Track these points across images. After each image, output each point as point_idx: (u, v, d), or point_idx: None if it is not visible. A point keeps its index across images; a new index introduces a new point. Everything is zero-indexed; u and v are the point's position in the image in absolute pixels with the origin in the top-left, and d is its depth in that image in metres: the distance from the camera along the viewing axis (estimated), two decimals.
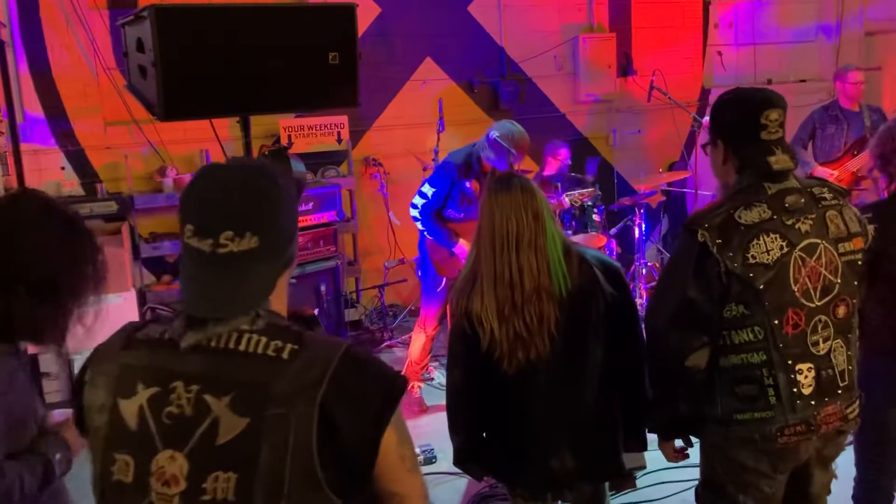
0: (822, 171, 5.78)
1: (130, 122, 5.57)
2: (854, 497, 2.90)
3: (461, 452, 2.58)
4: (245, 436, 1.25)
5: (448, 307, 4.85)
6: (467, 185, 4.56)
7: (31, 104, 5.61)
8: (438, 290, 4.81)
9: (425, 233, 4.70)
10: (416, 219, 4.69)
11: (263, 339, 1.30)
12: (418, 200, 4.64)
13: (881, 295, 2.48)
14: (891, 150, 2.74)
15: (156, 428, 1.29)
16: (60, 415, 1.95)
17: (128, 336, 1.38)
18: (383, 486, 1.37)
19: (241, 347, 1.30)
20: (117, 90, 5.29)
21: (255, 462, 1.24)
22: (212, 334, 1.30)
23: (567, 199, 5.66)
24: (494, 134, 4.44)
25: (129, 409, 1.31)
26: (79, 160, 5.80)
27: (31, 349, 1.90)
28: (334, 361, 1.29)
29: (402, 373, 5.07)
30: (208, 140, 4.35)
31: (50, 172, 5.69)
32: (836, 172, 5.77)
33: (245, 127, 2.98)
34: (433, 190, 4.58)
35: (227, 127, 4.69)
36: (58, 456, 1.81)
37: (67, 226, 1.82)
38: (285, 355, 1.29)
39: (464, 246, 4.63)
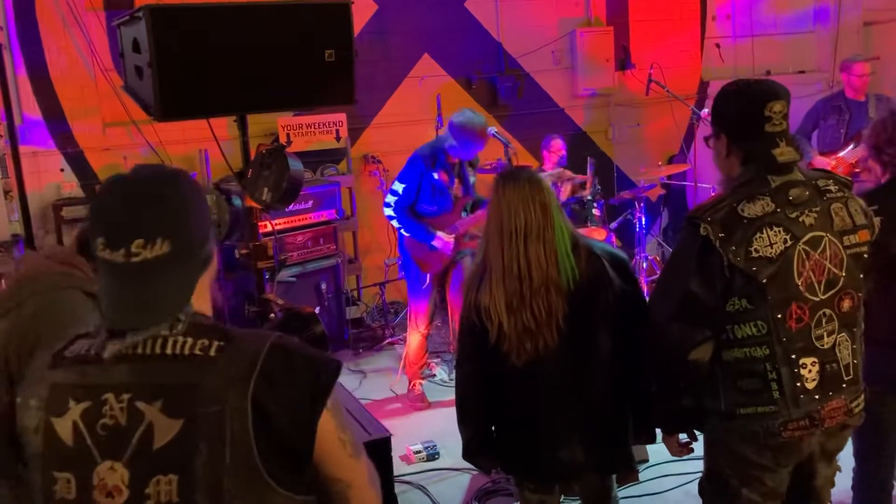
0: (820, 161, 5.77)
1: (129, 123, 5.56)
2: (853, 487, 2.90)
3: (470, 445, 2.60)
4: (181, 437, 1.26)
5: (433, 304, 4.91)
6: (435, 175, 4.61)
7: (29, 106, 5.60)
8: (424, 287, 4.82)
9: (402, 230, 4.72)
10: (390, 217, 4.72)
11: (189, 340, 1.32)
12: (391, 199, 4.68)
13: (878, 284, 2.47)
14: (884, 140, 2.74)
15: (92, 441, 1.29)
16: None
17: (55, 355, 1.38)
18: (326, 472, 1.40)
19: (168, 351, 1.31)
20: (115, 91, 5.27)
21: (194, 461, 1.26)
22: (132, 343, 1.31)
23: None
24: (453, 121, 4.54)
25: (63, 426, 1.31)
26: (78, 162, 5.79)
27: None
28: (262, 353, 1.31)
29: (400, 371, 5.09)
30: (207, 140, 4.32)
31: (49, 174, 5.68)
32: (833, 162, 5.76)
33: (242, 126, 2.98)
34: (403, 185, 4.63)
35: (226, 126, 4.69)
36: None
37: None
38: (212, 353, 1.31)
39: (443, 237, 4.64)
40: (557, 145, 6.32)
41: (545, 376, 2.42)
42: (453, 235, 4.67)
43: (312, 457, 1.35)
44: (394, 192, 4.67)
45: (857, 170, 5.60)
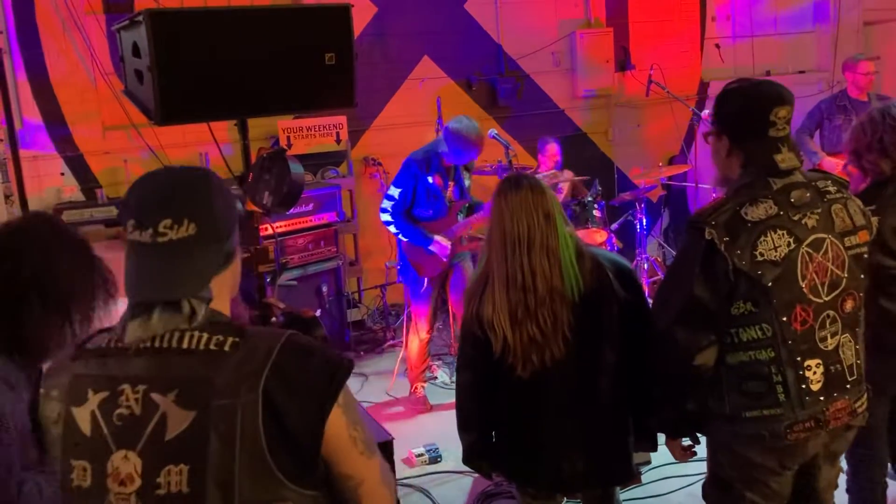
0: (829, 163, 5.72)
1: (129, 126, 5.56)
2: (848, 490, 2.89)
3: (471, 451, 2.59)
4: (193, 428, 1.29)
5: (433, 308, 4.89)
6: (429, 179, 4.61)
7: (29, 110, 5.60)
8: (422, 290, 4.82)
9: (400, 235, 4.72)
10: (387, 223, 4.71)
11: (205, 335, 1.35)
12: (387, 203, 4.68)
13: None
14: (864, 145, 2.71)
15: (108, 430, 1.34)
16: None
17: (78, 347, 1.43)
18: (338, 469, 1.42)
19: (184, 345, 1.34)
20: (115, 95, 5.27)
21: (205, 453, 1.29)
22: (154, 329, 1.34)
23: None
24: (449, 128, 4.54)
25: (82, 415, 1.35)
26: (78, 165, 5.79)
27: None
28: (275, 349, 1.34)
29: (395, 375, 5.09)
30: (207, 143, 4.34)
31: (49, 178, 5.68)
32: (843, 163, 5.71)
33: (243, 130, 2.97)
34: (399, 190, 4.63)
35: (226, 129, 4.68)
36: None
37: (76, 249, 1.93)
38: (227, 348, 1.34)
39: (440, 241, 4.64)
40: (552, 150, 6.30)
41: (549, 387, 2.40)
42: (450, 240, 4.67)
43: (320, 452, 1.37)
44: (389, 198, 4.67)
45: None
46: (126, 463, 1.31)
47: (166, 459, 1.30)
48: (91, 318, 1.90)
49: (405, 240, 4.72)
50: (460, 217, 4.79)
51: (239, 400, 1.29)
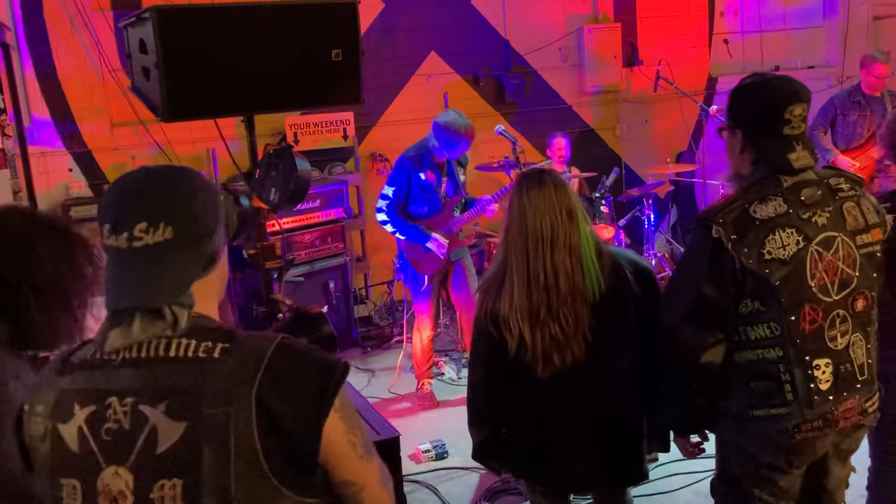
0: (843, 161, 5.67)
1: (137, 122, 5.57)
2: (868, 487, 2.87)
3: (481, 447, 2.56)
4: (185, 440, 1.25)
5: (436, 305, 4.89)
6: (422, 176, 4.62)
7: (37, 107, 5.62)
8: (423, 289, 4.81)
9: (397, 233, 4.72)
10: (384, 222, 4.71)
11: (192, 342, 1.30)
12: (382, 203, 4.68)
13: (895, 287, 2.43)
14: None
15: (97, 446, 1.28)
16: None
17: (62, 361, 1.38)
18: (337, 475, 1.38)
19: (171, 353, 1.29)
20: (123, 91, 5.28)
21: (199, 465, 1.24)
22: (135, 337, 1.29)
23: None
24: (437, 121, 4.54)
25: (69, 432, 1.30)
26: (86, 162, 5.81)
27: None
28: (268, 353, 1.29)
29: (397, 373, 5.09)
30: (215, 139, 4.33)
31: (57, 174, 5.70)
32: (857, 162, 5.67)
33: (249, 126, 2.97)
34: (392, 188, 4.64)
35: (233, 125, 4.70)
36: None
37: (54, 231, 1.84)
38: (216, 354, 1.29)
39: (438, 239, 4.64)
40: (559, 144, 6.29)
41: (563, 387, 2.37)
42: (448, 237, 4.67)
43: (319, 458, 1.32)
44: (384, 197, 4.68)
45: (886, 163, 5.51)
46: (117, 479, 1.26)
47: (159, 474, 1.25)
48: (89, 299, 1.84)
49: (403, 238, 4.72)
50: (456, 213, 4.78)
51: (232, 408, 1.24)
